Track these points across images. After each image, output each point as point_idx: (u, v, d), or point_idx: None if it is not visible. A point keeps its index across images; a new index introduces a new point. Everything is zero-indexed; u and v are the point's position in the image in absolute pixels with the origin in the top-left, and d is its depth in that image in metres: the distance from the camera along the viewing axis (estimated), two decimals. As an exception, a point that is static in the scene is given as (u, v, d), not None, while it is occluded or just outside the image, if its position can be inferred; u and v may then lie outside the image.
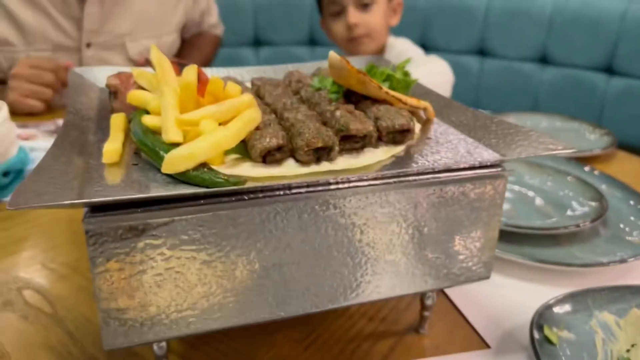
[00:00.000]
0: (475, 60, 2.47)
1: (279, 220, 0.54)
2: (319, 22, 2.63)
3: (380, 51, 1.85)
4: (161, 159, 0.55)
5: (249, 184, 0.53)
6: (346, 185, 0.54)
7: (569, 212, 0.99)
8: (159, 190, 0.51)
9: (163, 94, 0.59)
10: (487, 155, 0.60)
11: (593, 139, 1.42)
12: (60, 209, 1.04)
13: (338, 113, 0.62)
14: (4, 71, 1.59)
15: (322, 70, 0.85)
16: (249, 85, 0.84)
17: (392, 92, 0.68)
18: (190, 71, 0.59)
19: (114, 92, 0.70)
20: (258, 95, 0.77)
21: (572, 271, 0.84)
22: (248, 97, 0.60)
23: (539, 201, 1.05)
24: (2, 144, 1.08)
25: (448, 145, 0.64)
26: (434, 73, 1.63)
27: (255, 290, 0.56)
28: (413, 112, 0.73)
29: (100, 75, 0.88)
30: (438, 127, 0.71)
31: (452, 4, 2.45)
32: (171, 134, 0.56)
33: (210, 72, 0.92)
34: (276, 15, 2.61)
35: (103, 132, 0.67)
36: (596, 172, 1.15)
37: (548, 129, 1.49)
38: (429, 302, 0.71)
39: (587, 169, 1.18)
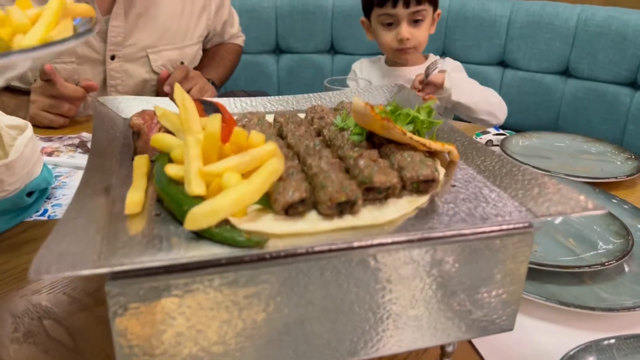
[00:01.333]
0: (496, 71, 2.44)
1: (300, 278, 0.53)
2: (340, 30, 2.62)
3: (416, 58, 1.93)
4: (183, 212, 0.55)
5: (271, 242, 0.52)
6: (369, 243, 0.54)
7: (593, 247, 0.97)
8: (180, 250, 0.51)
9: (187, 144, 0.59)
10: (516, 213, 0.59)
11: (619, 163, 1.39)
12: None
13: (361, 162, 0.62)
14: (30, 83, 1.61)
15: (344, 104, 0.84)
16: (271, 118, 0.83)
17: (415, 138, 0.67)
18: (214, 121, 0.59)
19: (137, 132, 0.70)
20: (281, 133, 0.77)
21: (597, 315, 0.83)
22: (271, 147, 0.60)
23: (561, 234, 1.03)
24: (27, 164, 1.09)
25: (473, 197, 0.63)
26: (492, 94, 1.86)
27: (276, 346, 0.55)
28: (437, 154, 0.72)
29: (123, 105, 0.88)
30: (462, 173, 0.70)
31: (474, 14, 2.42)
32: (194, 187, 0.55)
33: (234, 104, 0.91)
34: (297, 24, 2.61)
35: (126, 172, 0.67)
36: (626, 206, 1.13)
37: (572, 150, 1.47)
38: (449, 349, 0.70)
39: (615, 200, 1.15)
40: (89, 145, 1.39)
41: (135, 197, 0.58)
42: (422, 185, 0.62)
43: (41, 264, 0.44)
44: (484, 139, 1.50)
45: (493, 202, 0.62)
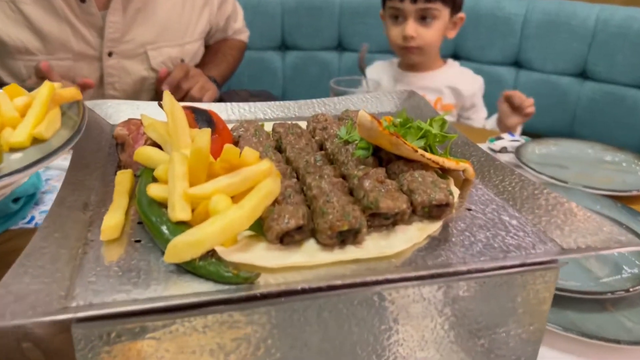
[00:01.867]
0: (510, 72, 2.36)
1: (295, 318, 0.47)
2: (347, 27, 2.54)
3: (430, 62, 1.82)
4: (165, 241, 0.48)
5: (262, 278, 0.46)
6: (375, 279, 0.47)
7: (617, 271, 0.90)
8: (159, 286, 0.45)
9: (172, 161, 0.52)
10: (540, 246, 0.52)
11: (640, 174, 1.32)
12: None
13: (367, 184, 0.55)
14: (24, 80, 1.55)
15: (350, 113, 0.78)
16: (270, 126, 0.77)
17: (427, 155, 0.60)
18: (202, 136, 0.52)
19: (121, 144, 0.64)
20: (279, 145, 0.70)
21: (623, 348, 0.76)
22: (266, 166, 0.53)
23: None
24: (14, 169, 1.03)
25: (491, 224, 0.56)
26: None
27: (267, 392, 0.49)
28: (450, 171, 0.65)
29: (112, 111, 0.82)
30: (479, 194, 0.63)
31: (487, 12, 2.33)
32: (178, 211, 0.49)
33: (231, 110, 0.85)
34: (304, 20, 2.54)
35: (108, 189, 0.61)
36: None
37: (591, 159, 1.39)
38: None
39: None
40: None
41: (112, 221, 0.52)
42: (435, 210, 0.56)
43: (-7, 309, 0.38)
44: (497, 145, 1.43)
45: (514, 230, 0.55)
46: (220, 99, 1.78)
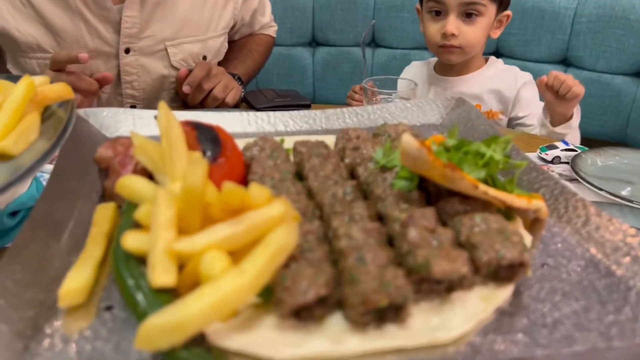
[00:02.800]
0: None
1: None
2: (382, 22, 2.39)
3: (470, 64, 1.63)
4: (140, 315, 0.36)
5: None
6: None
7: None
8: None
9: (157, 202, 0.40)
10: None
11: None
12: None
13: (413, 235, 0.41)
14: (36, 74, 1.45)
15: (387, 129, 0.64)
16: (290, 143, 0.63)
17: (492, 193, 0.46)
18: (196, 171, 0.39)
19: (104, 169, 0.51)
20: (301, 170, 0.57)
21: None
22: (278, 211, 0.40)
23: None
24: (10, 181, 0.92)
25: (580, 289, 0.42)
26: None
27: None
28: (515, 209, 0.51)
29: (109, 121, 0.70)
30: (556, 241, 0.49)
31: (534, 5, 2.15)
32: (158, 274, 0.36)
33: (247, 121, 0.72)
34: (336, 14, 2.39)
35: (86, 228, 0.49)
36: None
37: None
38: None
39: None
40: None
41: (75, 282, 0.39)
42: (503, 271, 0.42)
43: None
44: (550, 154, 1.26)
45: (613, 301, 0.41)
46: (244, 99, 1.66)
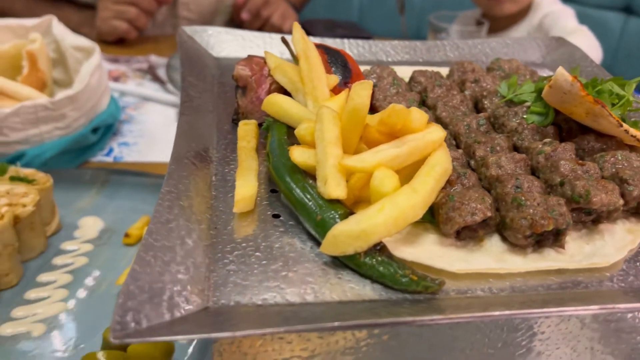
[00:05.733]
0: (617, 18, 2.09)
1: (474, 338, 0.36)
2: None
3: (523, 12, 1.54)
4: (314, 222, 0.38)
5: (446, 290, 0.36)
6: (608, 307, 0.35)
7: None
8: (316, 288, 0.35)
9: (320, 119, 0.41)
10: None
11: None
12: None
13: (565, 167, 0.43)
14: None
15: (502, 63, 0.63)
16: (401, 73, 0.63)
17: (633, 132, 0.47)
18: (362, 91, 0.40)
19: (242, 87, 0.52)
20: (424, 99, 0.57)
21: None
22: (438, 135, 0.41)
23: None
24: (93, 96, 0.94)
25: None
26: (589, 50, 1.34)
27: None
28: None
29: (214, 40, 0.70)
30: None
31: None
32: (332, 187, 0.38)
33: (349, 48, 0.72)
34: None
35: (226, 141, 0.51)
36: None
37: None
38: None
39: None
40: (158, 72, 1.24)
41: (247, 190, 0.41)
42: (647, 206, 0.43)
43: (123, 324, 0.29)
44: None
45: None
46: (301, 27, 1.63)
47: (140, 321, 0.29)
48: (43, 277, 0.58)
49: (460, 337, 0.36)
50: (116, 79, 1.27)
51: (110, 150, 0.99)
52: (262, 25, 1.50)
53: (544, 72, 0.73)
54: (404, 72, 0.62)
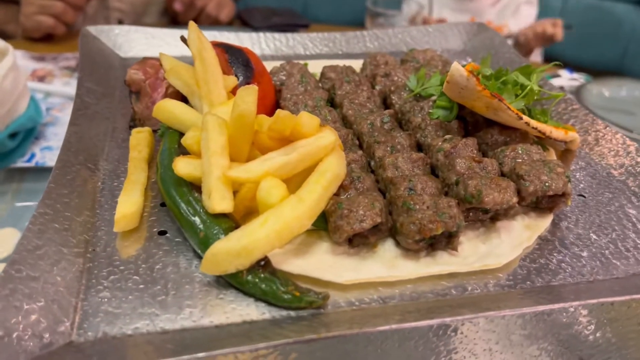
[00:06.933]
0: (630, 10, 2.08)
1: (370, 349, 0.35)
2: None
3: None
4: (198, 239, 0.36)
5: (336, 302, 0.34)
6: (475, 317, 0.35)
7: None
8: (195, 312, 0.33)
9: (206, 128, 0.39)
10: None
11: None
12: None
13: (461, 165, 0.42)
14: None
15: (416, 54, 0.62)
16: (314, 66, 0.62)
17: (533, 124, 0.46)
18: (247, 96, 0.38)
19: (135, 92, 0.50)
20: (332, 97, 0.56)
21: None
22: (329, 140, 0.39)
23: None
24: (8, 100, 0.88)
25: (615, 219, 0.43)
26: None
27: None
28: (545, 140, 0.51)
29: (122, 40, 0.67)
30: (589, 172, 0.50)
31: None
32: (216, 201, 0.36)
33: (265, 42, 0.70)
34: None
35: (120, 150, 0.48)
36: None
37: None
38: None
39: None
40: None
41: (129, 207, 0.39)
42: (545, 201, 0.43)
43: None
44: (553, 84, 1.26)
45: (646, 232, 0.43)
46: (238, 16, 1.59)
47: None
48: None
49: (352, 350, 0.35)
50: (41, 78, 1.21)
51: (32, 156, 0.94)
52: (197, 15, 1.45)
53: (466, 60, 0.72)
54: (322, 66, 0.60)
